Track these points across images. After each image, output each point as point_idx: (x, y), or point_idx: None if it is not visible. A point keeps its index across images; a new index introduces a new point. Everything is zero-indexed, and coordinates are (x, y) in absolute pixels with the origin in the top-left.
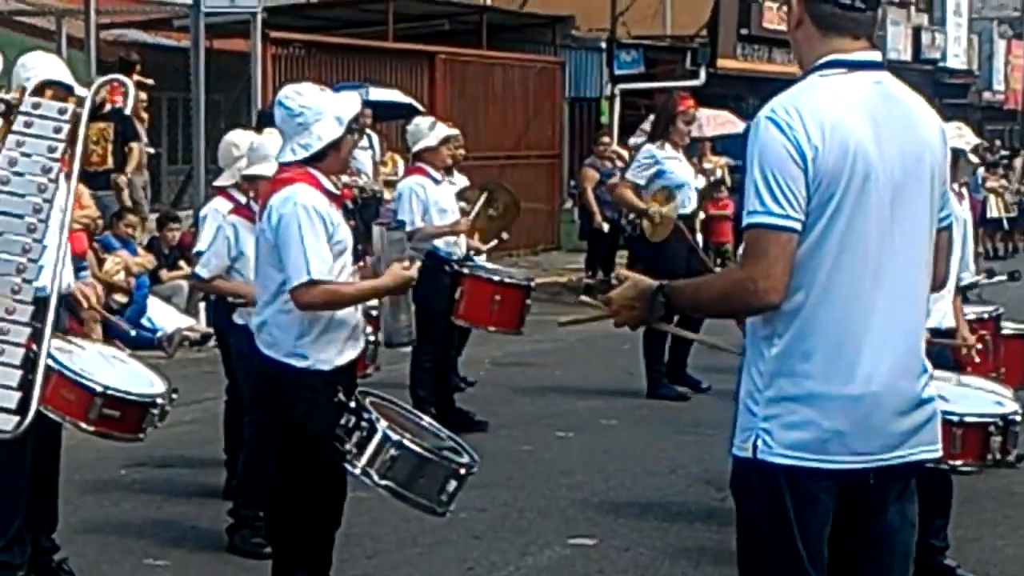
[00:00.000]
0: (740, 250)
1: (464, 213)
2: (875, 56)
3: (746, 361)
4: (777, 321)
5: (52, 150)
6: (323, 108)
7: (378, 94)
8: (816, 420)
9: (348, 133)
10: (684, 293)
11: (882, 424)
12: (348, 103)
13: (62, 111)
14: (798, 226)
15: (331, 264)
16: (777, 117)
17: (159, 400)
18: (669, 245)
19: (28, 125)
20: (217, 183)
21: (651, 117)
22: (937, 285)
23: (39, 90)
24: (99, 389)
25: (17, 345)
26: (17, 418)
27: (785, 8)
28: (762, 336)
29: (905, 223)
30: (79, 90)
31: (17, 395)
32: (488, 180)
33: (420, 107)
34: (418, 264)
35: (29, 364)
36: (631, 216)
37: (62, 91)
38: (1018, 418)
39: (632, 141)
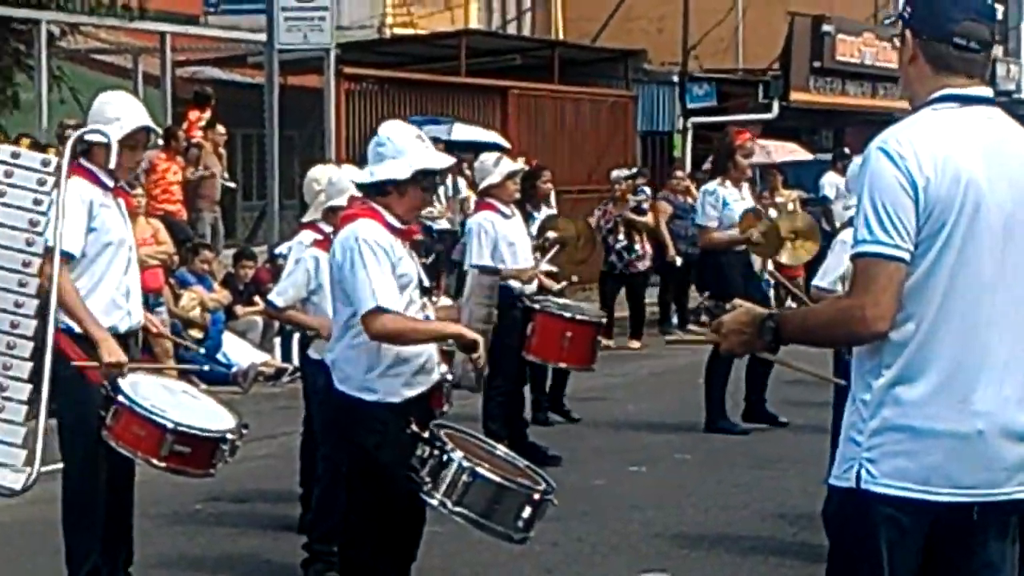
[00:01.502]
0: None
1: (540, 249)
2: (987, 92)
3: (852, 392)
4: (885, 351)
5: (38, 203)
6: (405, 149)
7: (461, 132)
8: (921, 453)
9: (415, 183)
10: (793, 321)
11: (989, 460)
12: (431, 157)
13: (46, 163)
14: (907, 256)
15: (399, 296)
16: (888, 148)
17: (229, 436)
18: (732, 276)
19: (8, 175)
20: (304, 219)
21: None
22: None
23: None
24: (170, 425)
25: (19, 402)
26: (24, 476)
27: (897, 42)
28: (869, 367)
29: (1017, 256)
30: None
31: (23, 453)
32: (560, 221)
33: (505, 143)
34: (488, 332)
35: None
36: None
37: (146, 135)
38: None
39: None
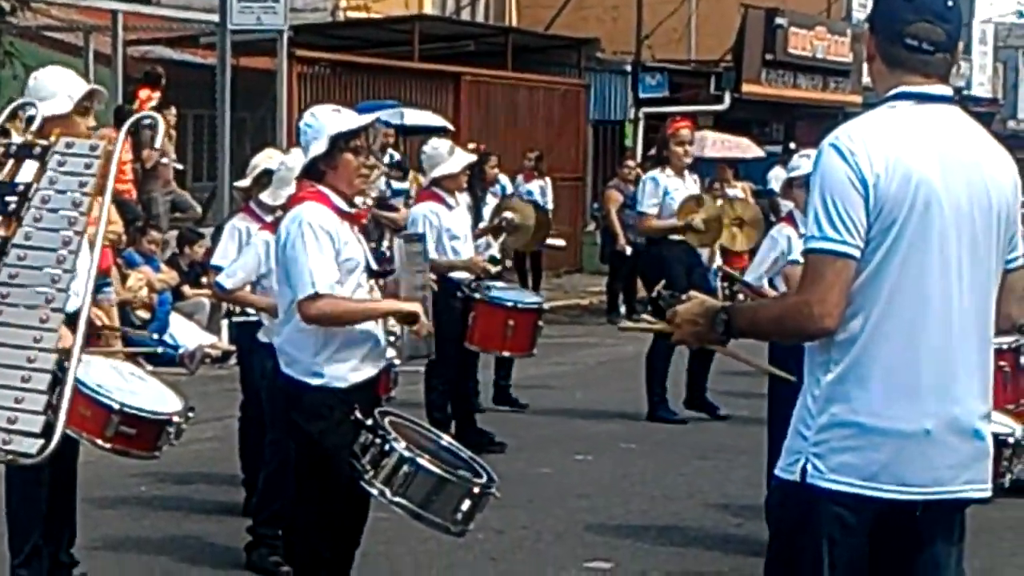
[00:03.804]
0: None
1: (494, 230)
2: (945, 91)
3: (803, 387)
4: (834, 348)
5: (83, 184)
6: (322, 125)
7: (412, 117)
8: (868, 449)
9: (339, 151)
10: (744, 315)
11: (936, 458)
12: (344, 120)
13: (93, 148)
14: (856, 253)
15: (337, 280)
16: (840, 144)
17: (175, 418)
18: (675, 269)
19: (61, 164)
20: (268, 200)
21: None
22: (1008, 326)
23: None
24: (116, 406)
25: (44, 372)
26: (41, 442)
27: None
28: (819, 362)
29: (969, 258)
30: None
31: (41, 419)
32: (516, 203)
33: (450, 127)
34: (427, 297)
35: (54, 388)
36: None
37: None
38: (1011, 440)
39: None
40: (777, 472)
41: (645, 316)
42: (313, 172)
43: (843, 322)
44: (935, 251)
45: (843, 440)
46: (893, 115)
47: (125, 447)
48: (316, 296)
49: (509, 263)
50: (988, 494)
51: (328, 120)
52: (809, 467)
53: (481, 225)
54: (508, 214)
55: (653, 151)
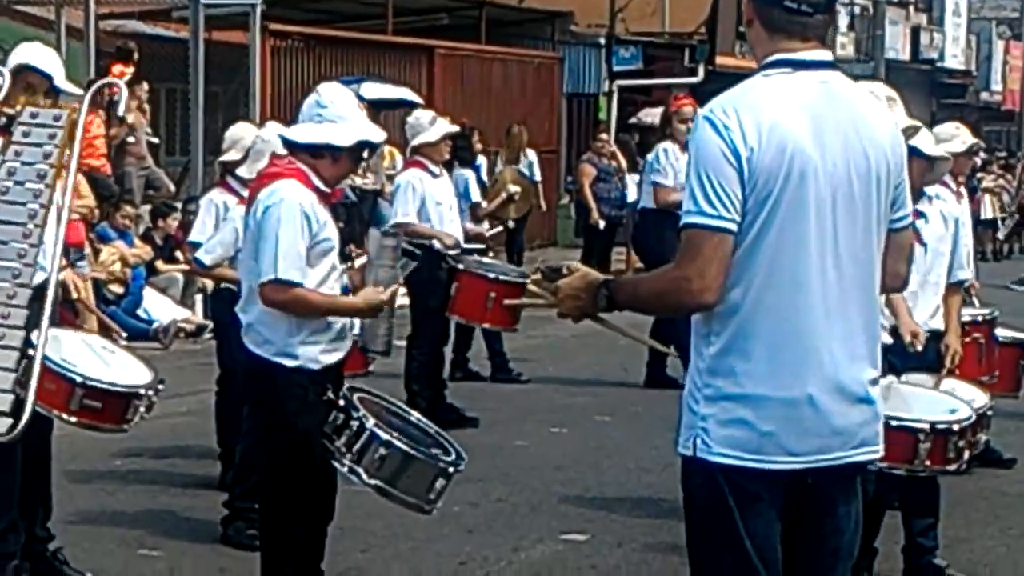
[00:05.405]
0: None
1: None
2: (823, 55)
3: (691, 361)
4: (715, 320)
5: (47, 156)
6: (346, 115)
7: (372, 91)
8: (752, 420)
9: (352, 152)
10: (626, 289)
11: (820, 426)
12: (372, 130)
13: (57, 117)
14: (732, 227)
15: (304, 266)
16: (714, 117)
17: (142, 391)
18: (672, 243)
19: (26, 135)
20: (244, 175)
21: (648, 110)
22: (899, 285)
23: (16, 72)
24: (79, 380)
25: (12, 349)
26: (11, 421)
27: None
28: (702, 335)
29: (850, 223)
30: (59, 80)
31: (10, 398)
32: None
33: (417, 99)
34: (394, 289)
35: (22, 366)
36: None
37: (39, 77)
38: (956, 427)
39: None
40: (679, 449)
41: (531, 288)
42: (314, 152)
43: (723, 295)
44: (812, 220)
45: (729, 412)
46: (767, 84)
47: (92, 421)
48: (277, 282)
49: (500, 227)
50: (880, 454)
51: (355, 116)
52: (698, 441)
53: (486, 204)
54: (512, 187)
55: (642, 118)
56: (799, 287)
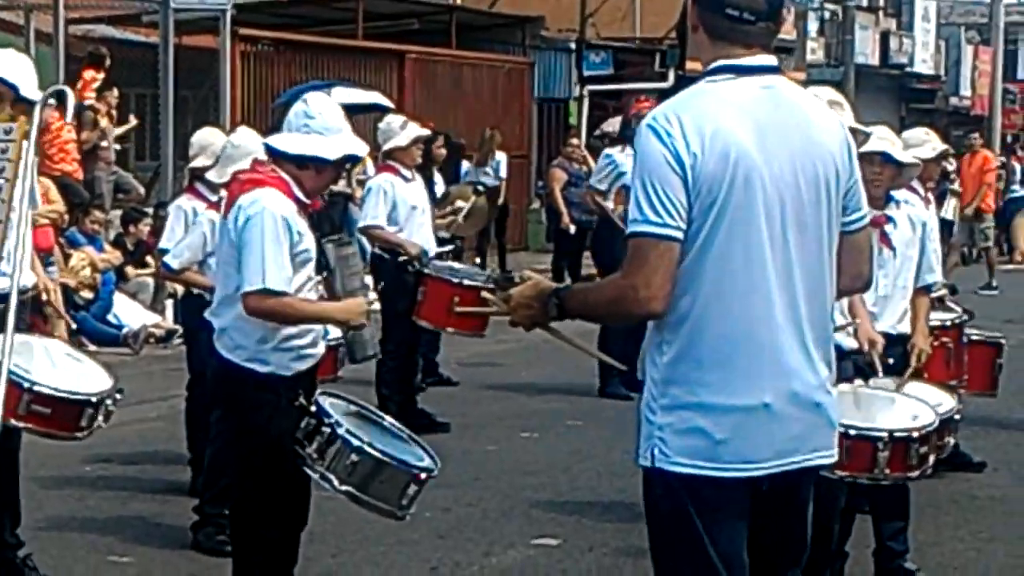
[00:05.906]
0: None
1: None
2: (767, 60)
3: (645, 371)
4: (666, 329)
5: (0, 171)
6: (334, 128)
7: (344, 96)
8: (707, 429)
9: (337, 166)
10: (576, 298)
11: (775, 433)
12: (357, 143)
13: (7, 131)
14: (678, 235)
15: (290, 276)
16: (656, 125)
17: (94, 399)
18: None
19: None
20: (215, 179)
21: (611, 120)
22: (862, 286)
23: None
24: (27, 385)
25: None
26: None
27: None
28: (655, 344)
29: (797, 229)
30: (26, 90)
31: None
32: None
33: (388, 104)
34: (373, 297)
35: None
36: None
37: (3, 87)
38: (916, 435)
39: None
40: (639, 461)
41: (486, 296)
42: (297, 161)
43: (673, 303)
44: (760, 226)
45: (685, 421)
46: (711, 90)
47: (43, 427)
48: (264, 292)
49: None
50: (834, 458)
51: (342, 130)
52: (657, 451)
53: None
54: (459, 203)
55: (606, 126)
56: (750, 293)
